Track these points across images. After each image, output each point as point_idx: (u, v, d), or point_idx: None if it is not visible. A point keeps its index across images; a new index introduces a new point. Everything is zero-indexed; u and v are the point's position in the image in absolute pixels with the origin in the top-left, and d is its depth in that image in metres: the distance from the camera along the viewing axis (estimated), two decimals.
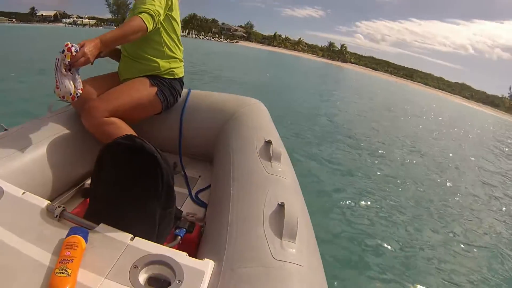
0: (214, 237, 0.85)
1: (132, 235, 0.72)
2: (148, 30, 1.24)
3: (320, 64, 49.03)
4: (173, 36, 1.47)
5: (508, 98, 66.56)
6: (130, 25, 1.19)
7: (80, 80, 1.09)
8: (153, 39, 1.41)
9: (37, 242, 0.67)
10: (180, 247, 0.84)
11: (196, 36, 75.20)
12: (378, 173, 4.13)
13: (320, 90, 13.07)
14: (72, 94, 1.03)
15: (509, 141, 13.14)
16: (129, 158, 0.85)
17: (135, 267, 0.64)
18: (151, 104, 1.45)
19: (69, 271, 0.58)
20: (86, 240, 0.67)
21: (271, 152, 1.16)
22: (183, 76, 1.61)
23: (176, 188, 1.25)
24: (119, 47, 1.52)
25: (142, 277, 0.64)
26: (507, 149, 10.08)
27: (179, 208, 1.20)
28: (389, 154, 5.21)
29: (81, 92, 1.08)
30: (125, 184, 0.83)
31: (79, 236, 0.66)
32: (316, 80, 18.37)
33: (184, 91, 1.70)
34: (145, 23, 1.21)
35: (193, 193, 1.41)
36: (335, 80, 23.58)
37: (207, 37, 75.97)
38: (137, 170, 0.85)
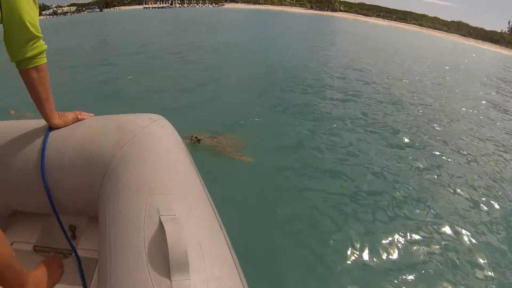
0: None
1: None
2: None
3: (309, 16, 47.84)
4: None
5: (508, 32, 63.91)
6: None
7: None
8: None
9: None
10: None
11: (180, 5, 72.57)
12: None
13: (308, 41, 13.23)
14: None
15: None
16: None
17: None
18: None
19: None
20: None
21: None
22: None
23: None
24: None
25: None
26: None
27: None
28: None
29: None
30: None
31: None
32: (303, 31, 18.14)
33: (41, 136, 1.10)
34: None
35: None
36: (326, 32, 23.31)
37: (191, 5, 73.29)
38: None
